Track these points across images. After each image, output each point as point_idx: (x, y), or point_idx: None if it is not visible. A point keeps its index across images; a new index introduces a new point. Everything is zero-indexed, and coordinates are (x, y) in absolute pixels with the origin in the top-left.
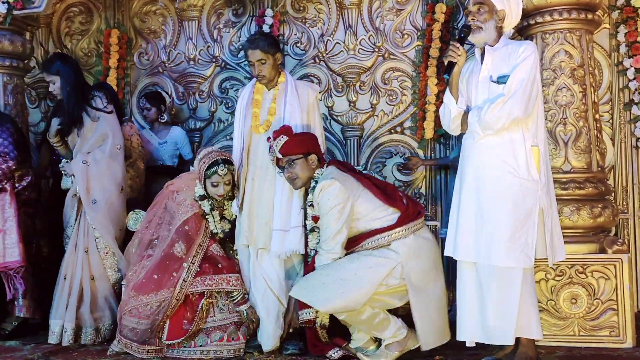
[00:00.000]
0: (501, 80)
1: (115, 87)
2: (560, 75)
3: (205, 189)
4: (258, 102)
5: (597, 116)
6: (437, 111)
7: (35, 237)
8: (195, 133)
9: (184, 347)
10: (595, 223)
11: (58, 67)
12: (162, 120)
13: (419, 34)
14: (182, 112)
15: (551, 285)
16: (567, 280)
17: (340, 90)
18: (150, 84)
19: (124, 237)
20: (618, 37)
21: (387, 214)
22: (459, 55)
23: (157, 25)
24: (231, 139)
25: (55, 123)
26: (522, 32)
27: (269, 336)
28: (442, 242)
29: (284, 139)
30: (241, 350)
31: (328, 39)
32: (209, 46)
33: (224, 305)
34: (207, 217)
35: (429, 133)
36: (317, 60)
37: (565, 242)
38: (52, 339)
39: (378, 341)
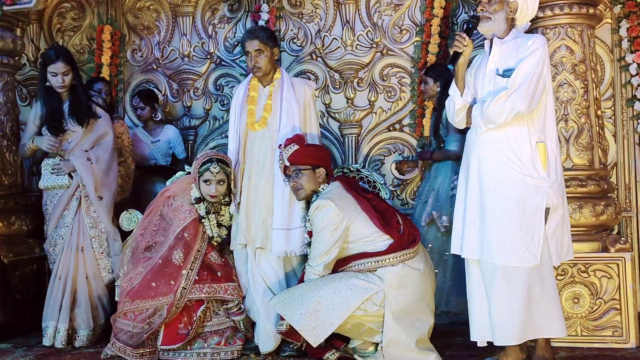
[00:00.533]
0: (506, 73)
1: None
2: (562, 71)
3: (200, 189)
4: (254, 99)
5: (599, 112)
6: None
7: None
8: (190, 131)
9: (180, 349)
10: (598, 221)
11: (72, 58)
12: (156, 119)
13: (417, 29)
14: (176, 110)
15: None
16: (569, 279)
17: (338, 87)
18: (143, 81)
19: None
20: (620, 32)
21: (381, 240)
22: (465, 46)
23: (151, 21)
24: (226, 136)
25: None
26: None
27: (268, 337)
28: (440, 232)
29: (294, 147)
30: (238, 352)
31: (325, 35)
32: (203, 42)
33: (220, 310)
34: (202, 221)
35: (428, 130)
36: (314, 57)
37: None
38: (46, 341)
39: (377, 343)
